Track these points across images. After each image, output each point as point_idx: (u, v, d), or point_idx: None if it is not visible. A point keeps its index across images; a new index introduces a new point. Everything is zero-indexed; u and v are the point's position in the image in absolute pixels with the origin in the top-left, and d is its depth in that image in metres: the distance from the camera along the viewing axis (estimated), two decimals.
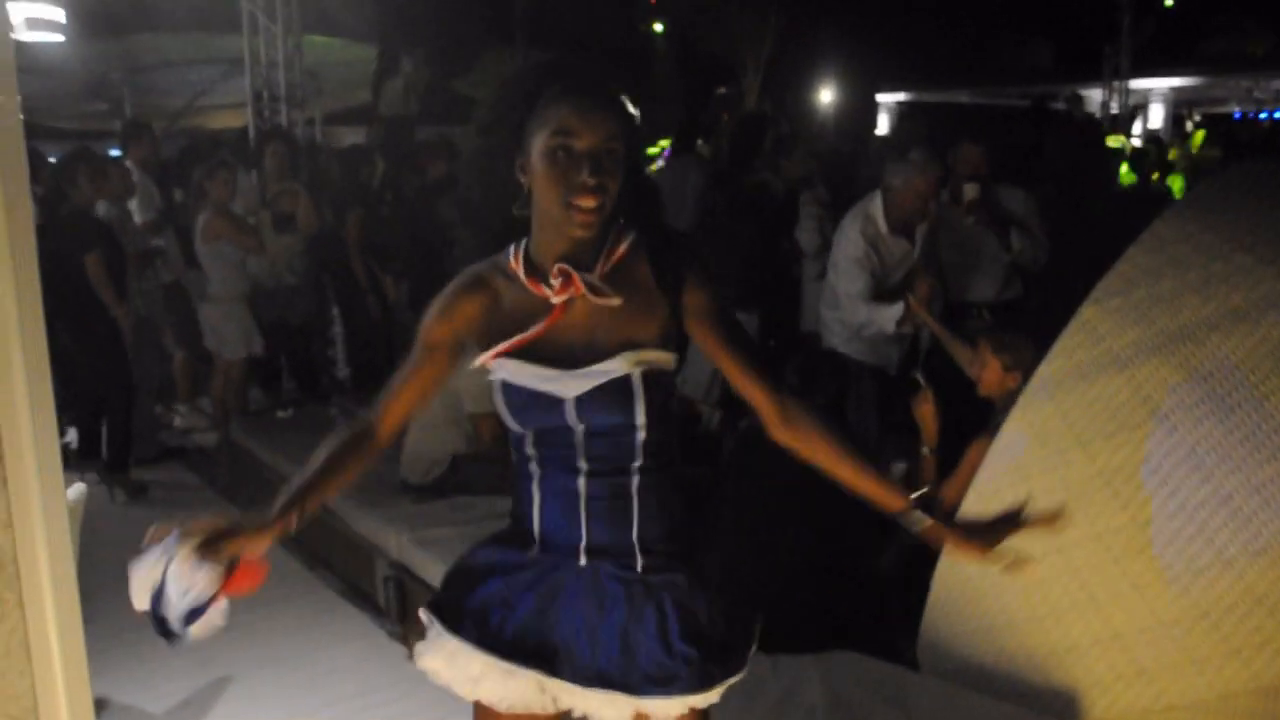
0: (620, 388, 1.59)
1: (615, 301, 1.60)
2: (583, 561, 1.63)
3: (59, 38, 4.21)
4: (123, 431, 5.15)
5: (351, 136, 9.98)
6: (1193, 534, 2.16)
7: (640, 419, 1.61)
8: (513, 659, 1.60)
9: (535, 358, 1.60)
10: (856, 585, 2.87)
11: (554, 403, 1.59)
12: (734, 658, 1.67)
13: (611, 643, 1.60)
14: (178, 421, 6.31)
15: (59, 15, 3.89)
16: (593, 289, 1.59)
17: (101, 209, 5.33)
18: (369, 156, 6.99)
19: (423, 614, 1.70)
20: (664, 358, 1.63)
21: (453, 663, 1.64)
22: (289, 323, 6.16)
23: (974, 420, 3.18)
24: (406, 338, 5.33)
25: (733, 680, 1.65)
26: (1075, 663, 2.28)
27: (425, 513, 3.85)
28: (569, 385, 1.59)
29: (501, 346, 1.61)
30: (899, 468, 3.71)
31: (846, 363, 3.43)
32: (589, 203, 1.52)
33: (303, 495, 1.69)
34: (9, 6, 1.65)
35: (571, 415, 1.59)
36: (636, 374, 1.59)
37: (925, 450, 3.20)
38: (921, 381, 3.24)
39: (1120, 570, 2.22)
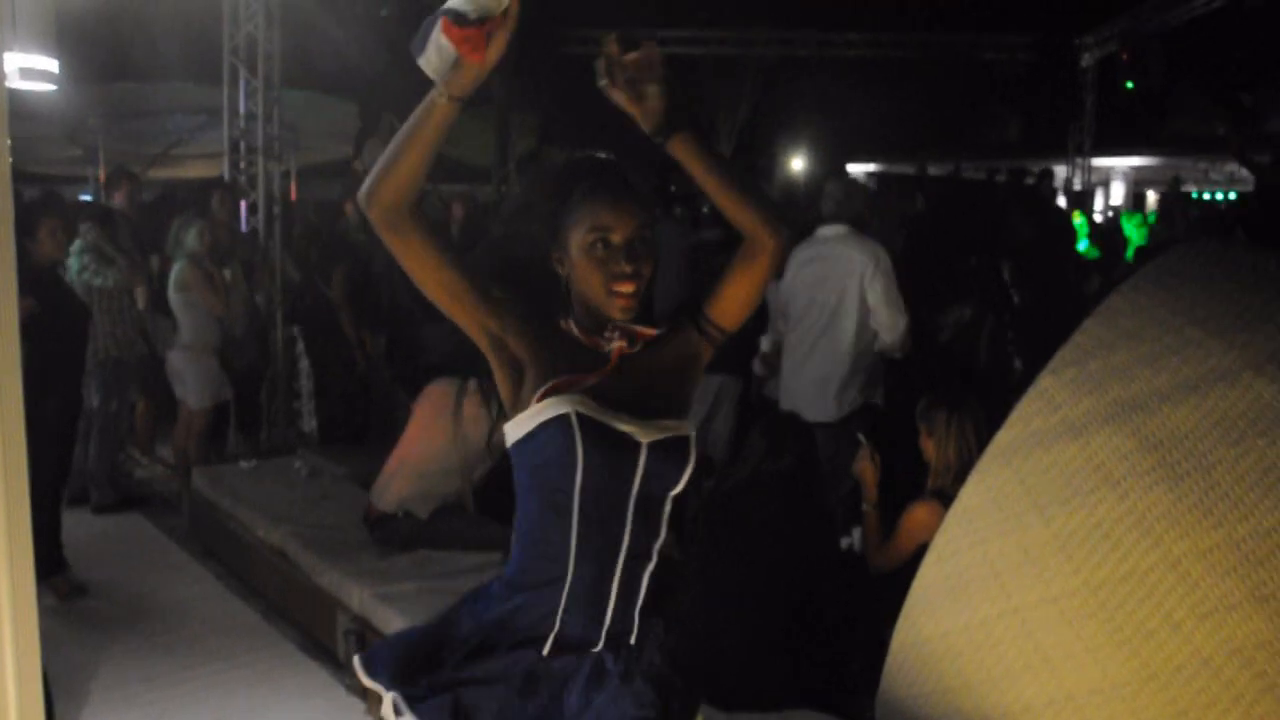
0: (683, 446, 1.70)
1: (675, 338, 1.75)
2: (594, 649, 1.69)
3: (51, 87, 4.18)
4: (51, 529, 4.46)
5: (327, 190, 10.04)
6: (1142, 597, 2.20)
7: (681, 486, 1.70)
8: None
9: (604, 401, 1.66)
10: (818, 645, 2.90)
11: (627, 448, 1.65)
12: (691, 709, 1.73)
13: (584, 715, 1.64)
14: (137, 472, 6.26)
15: (53, 65, 3.89)
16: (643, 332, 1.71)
17: (80, 253, 5.33)
18: (340, 209, 7.06)
19: (388, 699, 1.69)
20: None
21: None
22: (236, 372, 6.14)
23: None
24: (384, 394, 5.31)
25: None
26: None
27: (388, 567, 3.85)
28: (642, 432, 1.66)
29: (556, 381, 1.65)
30: (857, 531, 3.76)
31: (811, 424, 3.49)
32: (628, 288, 1.66)
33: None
34: (5, 56, 1.70)
35: (640, 467, 1.65)
36: (692, 438, 1.71)
37: (866, 506, 3.26)
38: (862, 439, 3.31)
39: (1074, 632, 2.26)
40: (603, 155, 1.76)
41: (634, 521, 1.67)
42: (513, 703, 1.65)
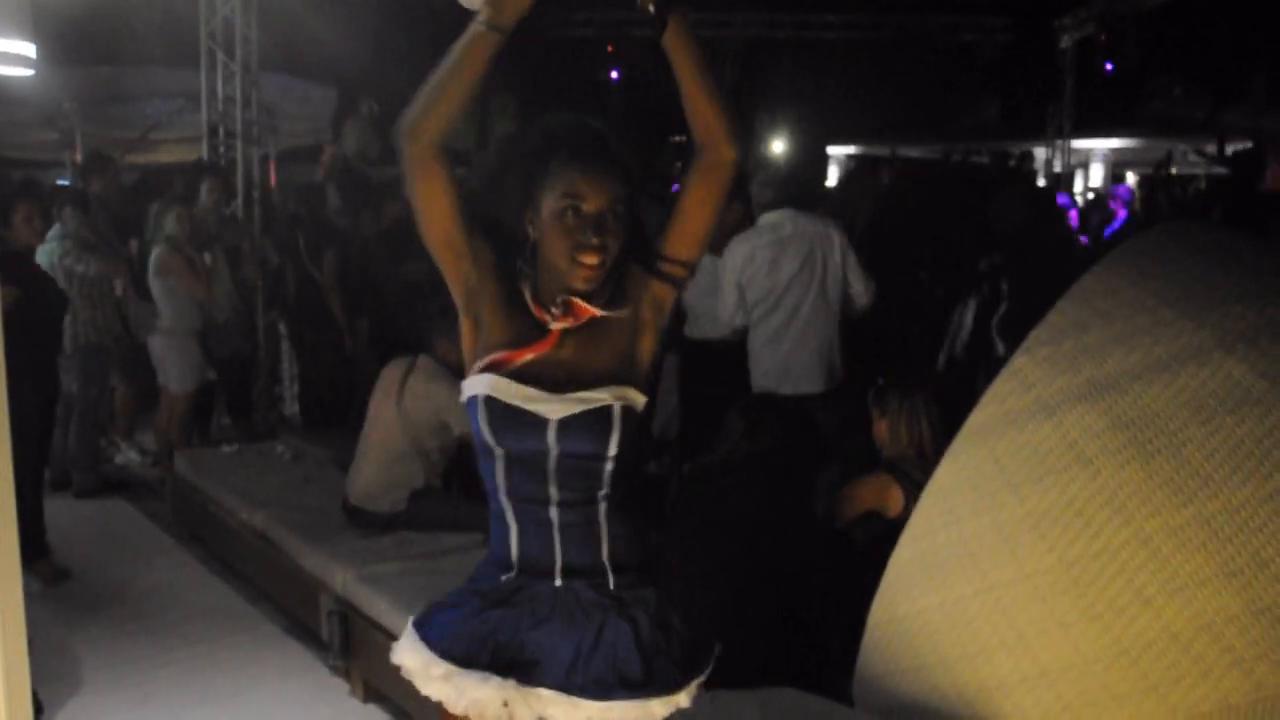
0: (601, 417, 1.69)
1: (623, 313, 1.74)
2: (558, 582, 1.72)
3: (29, 72, 4.13)
4: (34, 515, 4.42)
5: (305, 174, 9.99)
6: (1114, 574, 2.24)
7: (613, 450, 1.70)
8: (483, 668, 1.67)
9: (522, 379, 1.69)
10: (799, 625, 2.93)
11: (536, 424, 1.68)
12: (700, 659, 1.77)
13: (589, 652, 1.68)
14: (118, 458, 6.25)
15: (30, 50, 3.84)
16: (600, 308, 1.72)
17: (59, 238, 5.31)
18: (320, 193, 7.04)
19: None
20: (639, 398, 1.74)
21: (418, 660, 1.72)
22: (218, 358, 6.12)
23: None
24: (367, 378, 5.24)
25: (699, 680, 1.75)
26: (1004, 700, 2.35)
27: (370, 548, 3.86)
28: (554, 408, 1.68)
29: (495, 356, 1.70)
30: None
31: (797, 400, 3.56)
32: (593, 259, 1.66)
33: None
34: None
35: (551, 438, 1.68)
36: (617, 407, 1.70)
37: None
38: None
39: (1047, 609, 2.30)
40: (589, 120, 1.74)
41: (559, 481, 1.70)
42: (476, 611, 1.73)
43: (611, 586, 1.72)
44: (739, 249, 4.52)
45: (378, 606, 3.37)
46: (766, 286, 4.44)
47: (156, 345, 5.69)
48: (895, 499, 3.17)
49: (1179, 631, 2.15)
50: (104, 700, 3.51)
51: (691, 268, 1.79)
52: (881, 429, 3.33)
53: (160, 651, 3.85)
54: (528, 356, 1.70)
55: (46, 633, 3.94)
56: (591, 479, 1.71)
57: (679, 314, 5.08)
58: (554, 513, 1.71)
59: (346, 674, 3.60)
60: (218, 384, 6.29)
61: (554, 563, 1.72)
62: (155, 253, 5.52)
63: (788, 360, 4.46)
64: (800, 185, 5.11)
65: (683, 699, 1.71)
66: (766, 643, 2.84)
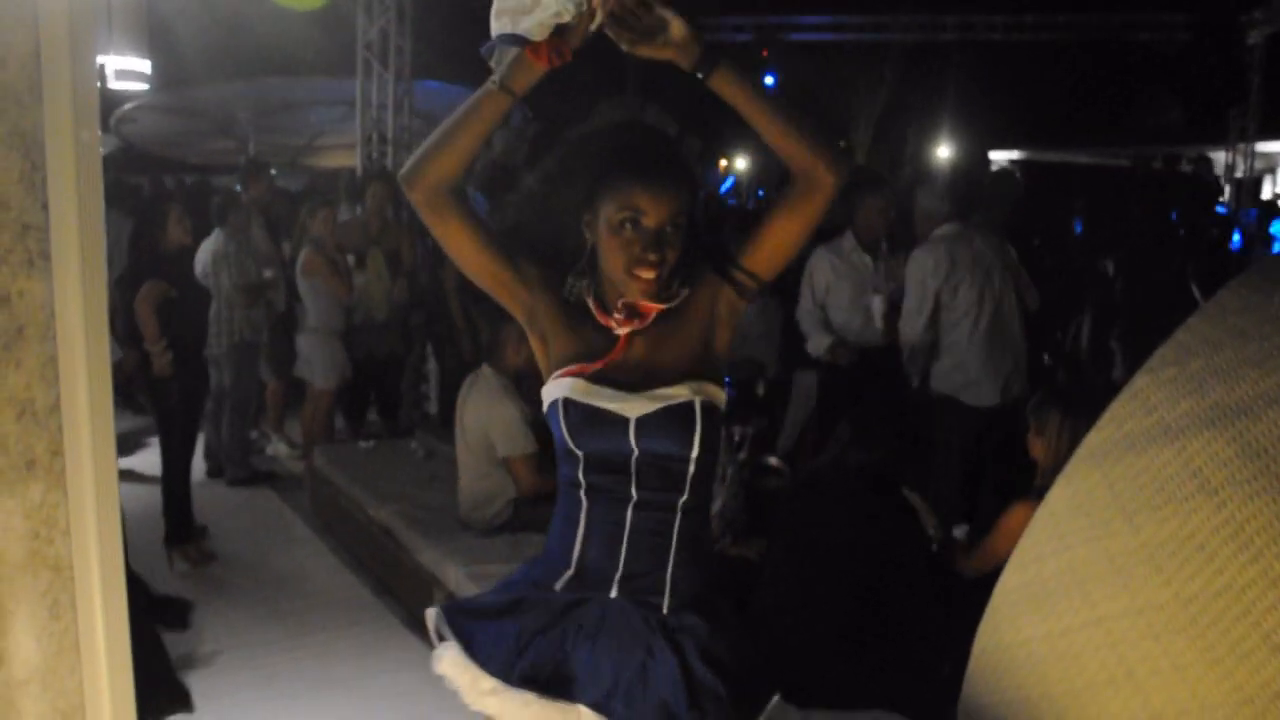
0: (683, 413, 1.66)
1: (687, 297, 1.72)
2: (614, 593, 1.69)
3: (144, 86, 4.36)
4: (182, 500, 4.77)
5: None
6: (1239, 615, 2.07)
7: (695, 449, 1.67)
8: (527, 687, 1.65)
9: (599, 381, 1.68)
10: (897, 644, 2.82)
11: (616, 423, 1.66)
12: (752, 704, 1.70)
13: (633, 680, 1.64)
14: (269, 449, 6.55)
15: (145, 66, 4.08)
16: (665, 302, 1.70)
17: (219, 241, 5.63)
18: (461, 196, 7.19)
19: (434, 620, 1.78)
20: (720, 395, 1.71)
21: (467, 674, 1.70)
22: (376, 357, 6.33)
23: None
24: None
25: None
26: None
27: (485, 547, 3.92)
28: (633, 406, 1.66)
29: (570, 369, 1.69)
30: (962, 529, 3.65)
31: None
32: (649, 274, 1.64)
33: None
34: (100, 59, 1.79)
35: (631, 438, 1.65)
36: (698, 402, 1.67)
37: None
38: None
39: (1161, 648, 2.14)
40: (650, 121, 1.71)
41: (640, 478, 1.68)
42: (524, 628, 1.70)
43: (665, 609, 1.68)
44: (931, 258, 4.37)
45: None
46: (972, 297, 4.34)
47: (301, 343, 5.95)
48: None
49: None
50: (230, 678, 3.67)
51: (763, 286, 1.75)
52: (1038, 447, 3.09)
53: (286, 636, 4.02)
54: (597, 367, 1.69)
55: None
56: (673, 480, 1.68)
57: (799, 333, 4.97)
58: (629, 514, 1.68)
59: None
60: (371, 381, 6.49)
61: (615, 571, 1.69)
62: (301, 254, 5.77)
63: (989, 373, 4.37)
64: (981, 200, 4.97)
65: None
66: (862, 660, 2.74)
